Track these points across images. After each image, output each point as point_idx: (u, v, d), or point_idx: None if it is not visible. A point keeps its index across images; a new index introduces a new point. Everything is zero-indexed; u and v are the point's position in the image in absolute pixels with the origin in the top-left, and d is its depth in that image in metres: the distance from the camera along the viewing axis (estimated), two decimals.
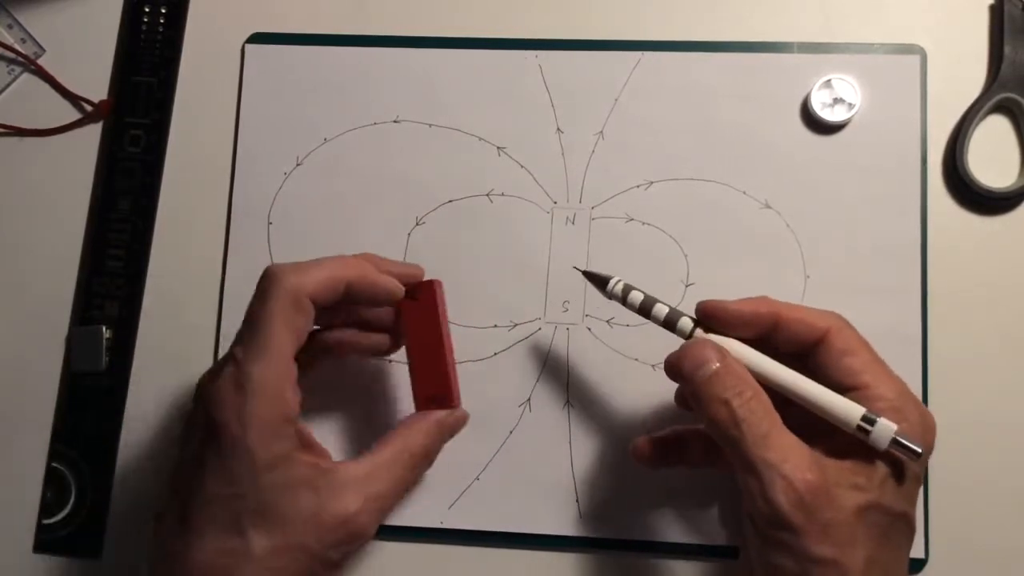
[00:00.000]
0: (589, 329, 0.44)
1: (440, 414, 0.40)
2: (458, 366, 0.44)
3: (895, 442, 0.33)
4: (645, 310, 0.38)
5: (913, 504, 0.35)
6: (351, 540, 0.36)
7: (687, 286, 0.44)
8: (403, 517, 0.43)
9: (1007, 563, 0.41)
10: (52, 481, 0.45)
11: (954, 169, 0.44)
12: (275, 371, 0.35)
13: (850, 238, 0.44)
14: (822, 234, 0.44)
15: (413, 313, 0.41)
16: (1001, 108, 0.45)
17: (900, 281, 0.43)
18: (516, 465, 0.44)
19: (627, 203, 0.45)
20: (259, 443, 0.34)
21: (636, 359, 0.44)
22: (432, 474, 0.44)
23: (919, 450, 0.33)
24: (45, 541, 0.45)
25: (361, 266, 0.39)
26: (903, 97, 0.45)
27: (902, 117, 0.45)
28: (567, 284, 0.45)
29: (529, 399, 0.44)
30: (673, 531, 0.42)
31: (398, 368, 0.44)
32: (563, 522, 0.43)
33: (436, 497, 0.44)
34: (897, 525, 0.34)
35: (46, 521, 0.45)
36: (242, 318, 0.39)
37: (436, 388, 0.41)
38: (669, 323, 0.37)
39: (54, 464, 0.45)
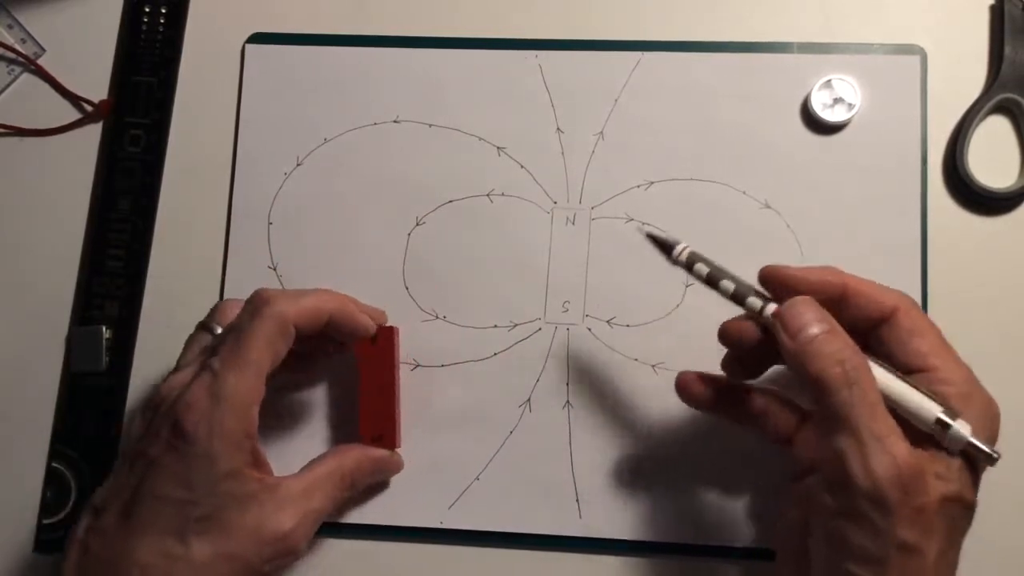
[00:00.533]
0: (589, 329, 0.44)
1: (377, 452, 0.42)
2: (459, 366, 0.44)
3: (970, 444, 0.32)
4: (712, 281, 0.36)
5: (976, 496, 0.34)
6: (285, 555, 0.37)
7: (687, 286, 0.44)
8: (403, 517, 0.43)
9: (1007, 563, 0.41)
10: (52, 481, 0.45)
11: (954, 169, 0.44)
12: (249, 387, 0.36)
13: (850, 238, 0.44)
14: (822, 234, 0.44)
15: (369, 355, 0.43)
16: (1001, 108, 0.45)
17: (900, 281, 0.43)
18: (516, 465, 0.44)
19: (627, 203, 0.45)
20: (222, 453, 0.36)
21: (636, 359, 0.44)
22: (432, 474, 0.44)
23: (996, 455, 0.32)
24: (45, 541, 0.45)
25: (343, 301, 0.41)
26: (903, 97, 0.45)
27: (902, 117, 0.45)
28: (567, 284, 0.45)
29: (529, 399, 0.44)
30: (673, 531, 0.42)
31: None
32: (563, 522, 0.43)
33: (436, 497, 0.44)
34: (966, 518, 0.33)
35: (46, 521, 0.45)
36: None
37: (380, 429, 0.43)
38: (738, 298, 0.36)
39: (54, 464, 0.45)
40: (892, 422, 0.32)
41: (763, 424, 0.38)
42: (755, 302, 0.36)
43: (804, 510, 0.34)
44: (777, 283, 0.36)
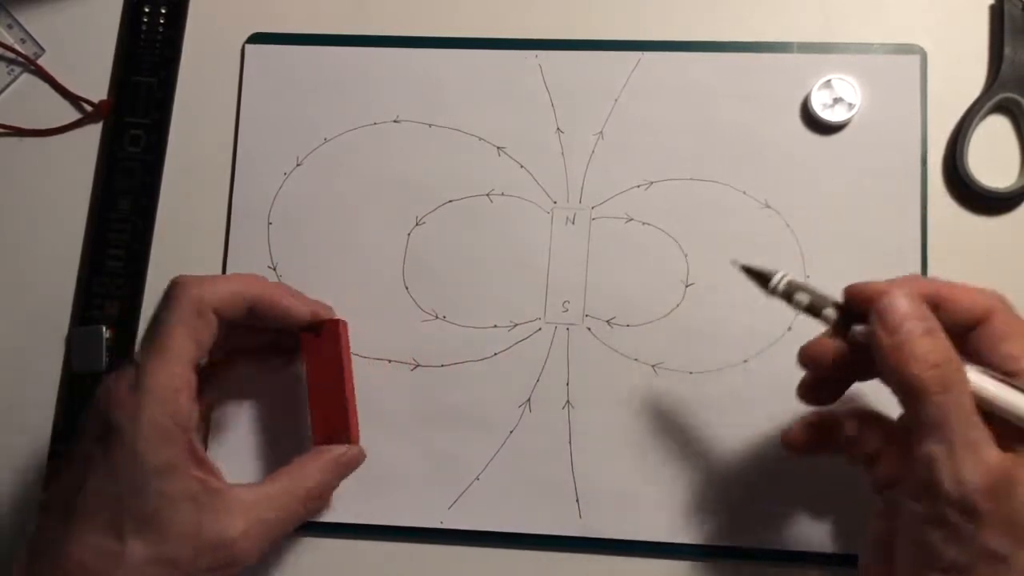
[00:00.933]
0: (589, 329, 0.44)
1: (337, 451, 0.41)
2: (459, 366, 0.44)
3: None
4: (815, 311, 0.35)
5: None
6: (228, 564, 0.36)
7: (687, 286, 0.44)
8: (403, 517, 0.43)
9: None
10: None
11: (954, 169, 0.44)
12: (171, 375, 0.36)
13: (850, 238, 0.44)
14: (822, 234, 0.44)
15: (315, 349, 0.42)
16: (1001, 108, 0.45)
17: None
18: (516, 465, 0.44)
19: (627, 203, 0.45)
20: (148, 448, 0.34)
21: (636, 359, 0.44)
22: (432, 474, 0.44)
23: None
24: None
25: (266, 285, 0.40)
26: (903, 97, 0.45)
27: (902, 117, 0.45)
28: (567, 284, 0.45)
29: (529, 399, 0.44)
30: (673, 531, 0.42)
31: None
32: (563, 522, 0.43)
33: (436, 497, 0.44)
34: None
35: None
36: None
37: (335, 425, 0.42)
38: (815, 310, 0.35)
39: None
40: (985, 430, 0.31)
41: (851, 448, 0.36)
42: (856, 328, 0.34)
43: (889, 520, 0.33)
44: (864, 300, 0.34)
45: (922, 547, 0.31)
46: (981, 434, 0.31)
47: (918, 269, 0.43)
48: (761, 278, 0.36)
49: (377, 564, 0.44)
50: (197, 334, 0.37)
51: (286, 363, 0.43)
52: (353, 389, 0.43)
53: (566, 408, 0.44)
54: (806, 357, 0.36)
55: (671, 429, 0.43)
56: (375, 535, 0.44)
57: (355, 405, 0.43)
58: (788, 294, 0.35)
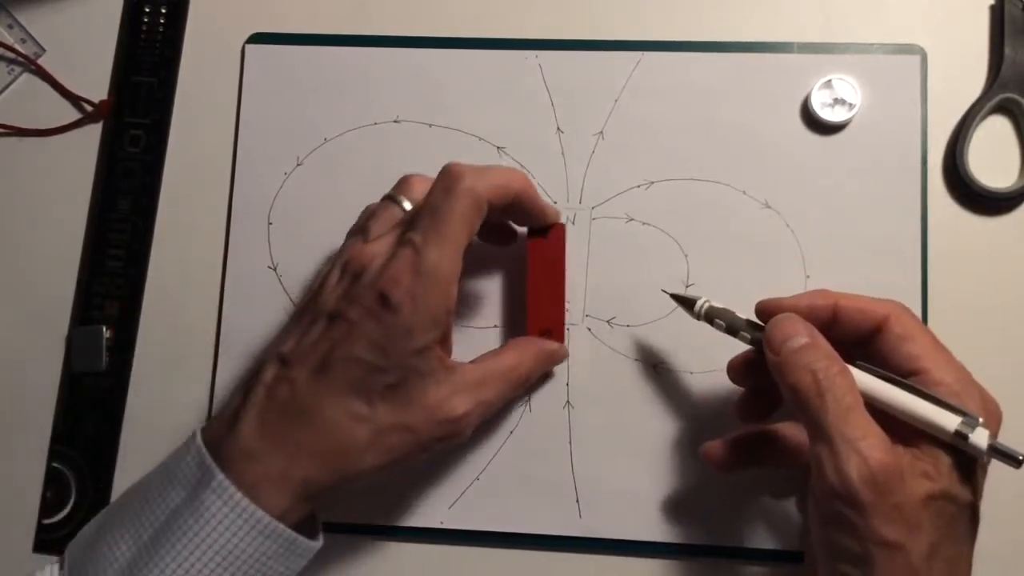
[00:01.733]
0: (589, 329, 0.44)
1: (551, 345, 0.43)
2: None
3: (993, 449, 0.33)
4: (732, 332, 0.38)
5: (979, 495, 0.34)
6: (451, 437, 0.38)
7: (687, 286, 0.44)
8: (403, 517, 0.43)
9: (1008, 563, 0.41)
10: (52, 481, 0.45)
11: (954, 169, 0.44)
12: (450, 263, 0.37)
13: (850, 238, 0.44)
14: (822, 234, 0.44)
15: (540, 250, 0.43)
16: (1001, 108, 0.45)
17: (900, 281, 0.43)
18: (516, 465, 0.44)
19: (627, 203, 0.45)
20: (421, 328, 0.36)
21: (636, 359, 0.44)
22: (432, 474, 0.44)
23: (1020, 456, 0.32)
24: (45, 541, 0.45)
25: (528, 181, 0.40)
26: (903, 97, 0.45)
27: (902, 117, 0.45)
28: (567, 284, 0.45)
29: (529, 399, 0.44)
30: (673, 531, 0.42)
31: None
32: (563, 522, 0.43)
33: (436, 497, 0.44)
34: (963, 516, 0.34)
35: (46, 521, 0.45)
36: (241, 320, 0.39)
37: (549, 323, 0.43)
38: (754, 342, 0.38)
39: (54, 464, 0.45)
40: (869, 425, 0.33)
41: (783, 461, 0.40)
42: (758, 335, 0.38)
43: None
44: (770, 314, 0.37)
45: (826, 541, 0.34)
46: (863, 430, 0.33)
47: (918, 269, 0.43)
48: (687, 303, 0.40)
49: (377, 564, 0.44)
50: (472, 224, 0.38)
51: (501, 246, 0.45)
52: (566, 291, 0.44)
53: (566, 408, 0.44)
54: (730, 370, 0.40)
55: (671, 429, 0.43)
56: (375, 535, 0.44)
57: (566, 306, 0.44)
58: (709, 318, 0.39)
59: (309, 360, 0.37)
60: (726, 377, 0.43)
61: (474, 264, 0.45)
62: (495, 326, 0.45)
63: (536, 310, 0.43)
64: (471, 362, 0.41)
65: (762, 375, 0.37)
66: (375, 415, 0.36)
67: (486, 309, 0.45)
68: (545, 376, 0.44)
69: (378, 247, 0.38)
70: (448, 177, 0.38)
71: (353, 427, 0.36)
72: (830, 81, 0.44)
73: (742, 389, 0.40)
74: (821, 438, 0.33)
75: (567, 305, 0.44)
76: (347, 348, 0.36)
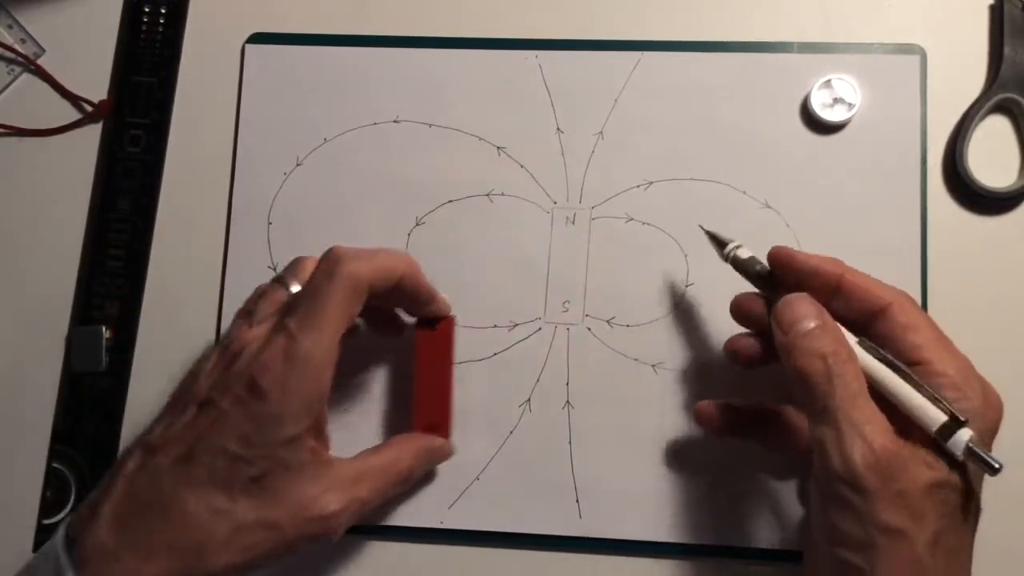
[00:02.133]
0: (589, 329, 0.44)
1: (434, 441, 0.42)
2: (459, 366, 0.44)
3: (970, 452, 0.33)
4: (749, 275, 0.39)
5: (980, 486, 0.34)
6: (321, 535, 0.37)
7: (687, 286, 0.44)
8: (403, 517, 0.43)
9: (1007, 563, 0.41)
10: (52, 481, 0.45)
11: (954, 169, 0.44)
12: (324, 350, 0.36)
13: (850, 238, 0.44)
14: (822, 234, 0.44)
15: (428, 342, 0.42)
16: (1001, 108, 0.45)
17: (900, 281, 0.43)
18: (516, 465, 0.44)
19: (627, 203, 0.45)
20: (290, 417, 0.35)
21: (636, 359, 0.44)
22: (432, 474, 0.44)
23: (996, 465, 0.32)
24: (45, 541, 0.45)
25: (412, 263, 0.40)
26: (903, 97, 0.45)
27: (902, 117, 0.45)
28: (567, 284, 0.45)
29: (529, 399, 0.44)
30: (673, 531, 0.42)
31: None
32: (563, 522, 0.43)
33: (436, 497, 0.44)
34: (966, 506, 0.34)
35: (46, 521, 0.45)
36: None
37: (435, 417, 0.42)
38: (752, 280, 0.38)
39: (54, 464, 0.45)
40: (874, 411, 0.33)
41: (781, 443, 0.40)
42: (763, 268, 0.38)
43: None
44: (780, 262, 0.38)
45: (827, 526, 0.33)
46: (868, 415, 0.33)
47: (918, 269, 0.43)
48: (719, 243, 0.40)
49: (377, 564, 0.44)
50: (350, 309, 0.37)
51: (388, 337, 0.44)
52: (453, 384, 0.43)
53: (566, 408, 0.44)
54: (736, 309, 0.39)
55: (671, 429, 0.43)
56: (375, 535, 0.44)
57: (453, 400, 0.43)
58: (735, 263, 0.39)
59: (174, 449, 0.36)
60: (726, 377, 0.43)
61: (468, 262, 0.45)
62: (494, 326, 0.45)
63: (422, 404, 0.42)
64: (350, 457, 0.39)
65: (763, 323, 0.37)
66: (236, 510, 0.35)
67: (486, 308, 0.45)
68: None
69: (256, 332, 0.37)
70: (329, 261, 0.37)
71: (212, 522, 0.35)
72: (829, 81, 0.44)
73: (742, 333, 0.40)
74: (826, 421, 0.33)
75: (450, 396, 0.43)
76: (213, 437, 0.35)
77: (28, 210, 0.48)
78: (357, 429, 0.44)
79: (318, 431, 0.37)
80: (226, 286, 0.46)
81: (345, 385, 0.44)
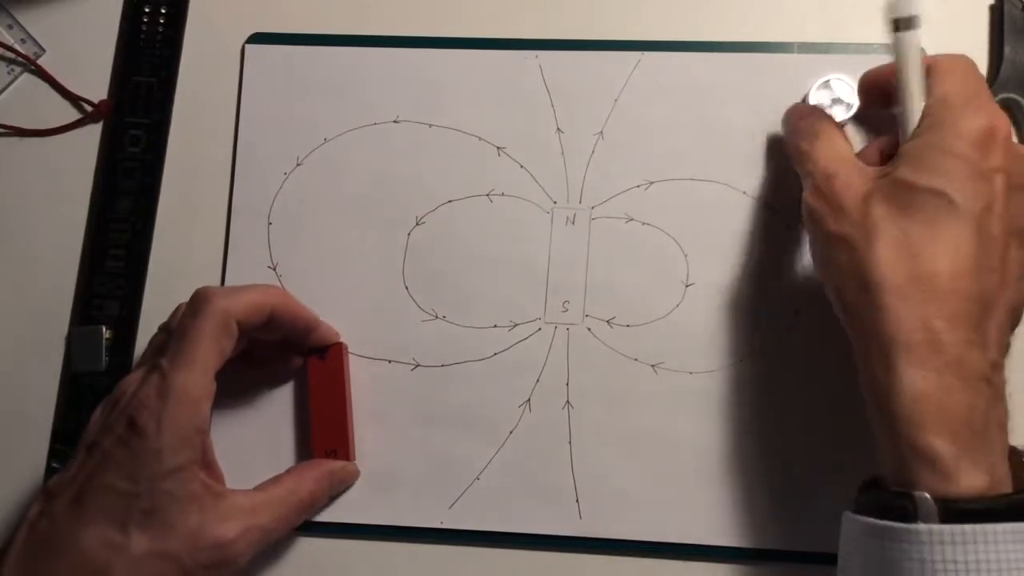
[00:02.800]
0: (589, 329, 0.44)
1: (333, 465, 0.43)
2: (459, 366, 0.44)
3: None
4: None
5: (952, 179, 0.34)
6: (222, 564, 0.38)
7: (687, 286, 0.44)
8: (403, 517, 0.43)
9: None
10: None
11: None
12: (197, 383, 0.38)
13: None
14: None
15: (319, 370, 0.44)
16: (1001, 108, 0.44)
17: None
18: (516, 465, 0.44)
19: (627, 203, 0.45)
20: (168, 450, 0.37)
21: (636, 359, 0.44)
22: (432, 474, 0.44)
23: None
24: None
25: (285, 295, 0.43)
26: None
27: None
28: (567, 284, 0.45)
29: (529, 399, 0.44)
30: (673, 531, 0.42)
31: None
32: (563, 522, 0.43)
33: (436, 497, 0.44)
34: (924, 199, 0.34)
35: None
36: None
37: (333, 443, 0.43)
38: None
39: (54, 464, 0.45)
40: (833, 148, 0.38)
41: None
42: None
43: None
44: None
45: (813, 256, 0.39)
46: (820, 154, 0.38)
47: None
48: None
49: (377, 564, 0.44)
50: (221, 345, 0.39)
51: (285, 368, 0.45)
52: (351, 408, 0.44)
53: (566, 408, 0.44)
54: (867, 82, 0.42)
55: (671, 429, 0.43)
56: (375, 535, 0.44)
57: (353, 424, 0.44)
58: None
59: (67, 492, 0.38)
60: (726, 377, 0.43)
61: (468, 262, 0.45)
62: (494, 326, 0.45)
63: (319, 431, 0.43)
64: (250, 488, 0.41)
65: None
66: (130, 543, 0.36)
67: (486, 308, 0.45)
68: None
69: (134, 376, 0.40)
70: (195, 300, 0.39)
71: (109, 557, 0.36)
72: (828, 81, 0.44)
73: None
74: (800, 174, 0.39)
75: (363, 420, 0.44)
76: (100, 477, 0.37)
77: (28, 210, 0.48)
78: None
79: (206, 463, 0.39)
80: (226, 286, 0.46)
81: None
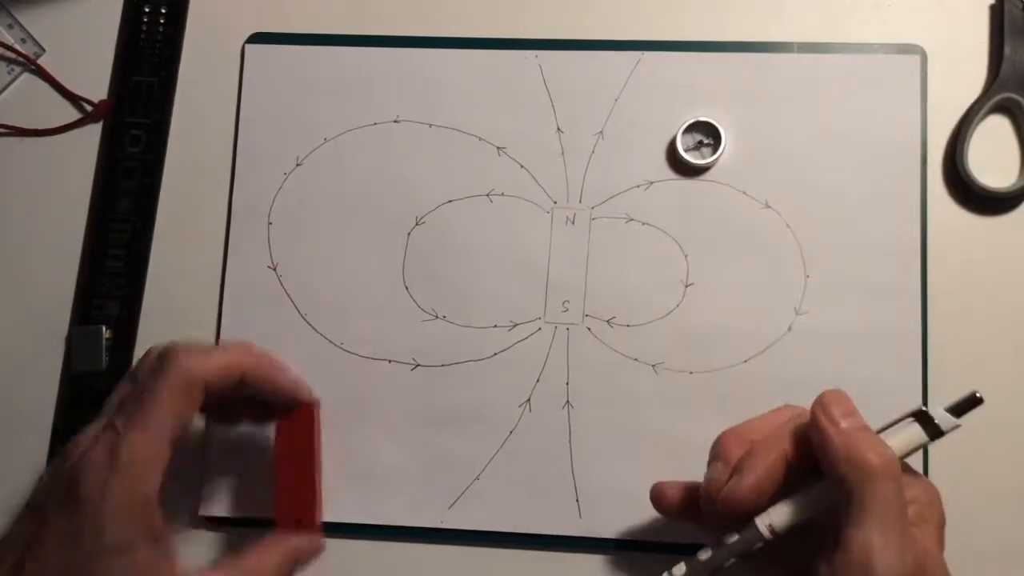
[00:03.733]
0: (589, 329, 0.44)
1: (299, 543, 0.40)
2: (459, 366, 0.44)
3: (953, 410, 0.34)
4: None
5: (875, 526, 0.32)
6: None
7: (687, 286, 0.44)
8: (403, 517, 0.43)
9: (1007, 563, 0.41)
10: None
11: (954, 169, 0.44)
12: (150, 451, 0.34)
13: (850, 238, 0.44)
14: (822, 234, 0.44)
15: (288, 432, 0.41)
16: (1001, 108, 0.45)
17: (900, 281, 0.43)
18: (516, 465, 0.44)
19: (627, 203, 0.45)
20: (112, 524, 0.33)
21: (636, 359, 0.44)
22: (432, 474, 0.44)
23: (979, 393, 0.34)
24: None
25: (258, 358, 0.39)
26: (903, 97, 0.45)
27: (902, 117, 0.44)
28: (567, 284, 0.45)
29: (529, 399, 0.44)
30: (673, 531, 0.42)
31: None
32: (563, 522, 0.43)
33: (436, 497, 0.44)
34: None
35: None
36: (241, 320, 0.39)
37: (299, 512, 0.41)
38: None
39: None
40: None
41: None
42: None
43: None
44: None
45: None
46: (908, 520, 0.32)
47: (918, 269, 0.43)
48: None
49: (377, 564, 0.44)
50: (181, 409, 0.36)
51: (257, 426, 0.43)
52: (320, 473, 0.42)
53: (566, 408, 0.44)
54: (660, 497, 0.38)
55: (671, 429, 0.43)
56: (375, 535, 0.44)
57: (321, 491, 0.42)
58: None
59: (9, 557, 0.34)
60: (726, 377, 0.43)
61: (468, 262, 0.45)
62: (495, 326, 0.45)
63: (284, 498, 0.41)
64: (208, 570, 0.37)
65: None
66: None
67: (486, 308, 0.45)
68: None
69: (92, 430, 0.36)
70: (162, 357, 0.36)
71: None
72: (696, 123, 0.44)
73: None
74: (877, 525, 0.32)
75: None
76: (39, 547, 0.33)
77: (28, 210, 0.48)
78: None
79: (153, 537, 0.34)
80: (226, 286, 0.46)
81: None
